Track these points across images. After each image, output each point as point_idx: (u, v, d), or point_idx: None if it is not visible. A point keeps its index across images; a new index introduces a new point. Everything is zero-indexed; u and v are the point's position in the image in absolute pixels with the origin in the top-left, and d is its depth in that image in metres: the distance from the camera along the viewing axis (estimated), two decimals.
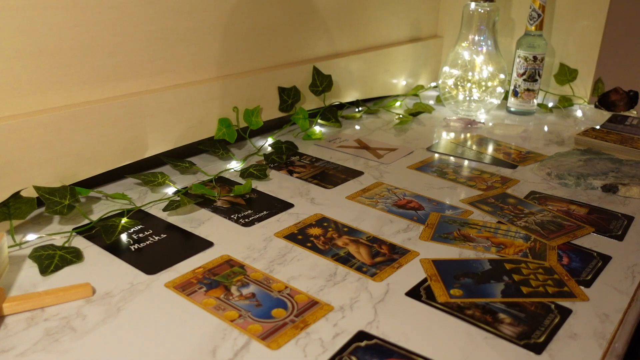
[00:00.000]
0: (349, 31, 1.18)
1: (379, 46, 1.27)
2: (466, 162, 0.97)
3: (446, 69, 1.24)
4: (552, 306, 0.57)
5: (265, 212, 0.76)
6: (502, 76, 1.21)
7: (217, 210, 0.76)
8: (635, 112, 1.28)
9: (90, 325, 0.52)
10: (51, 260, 0.61)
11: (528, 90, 1.24)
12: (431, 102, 1.35)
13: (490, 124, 1.19)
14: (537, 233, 0.72)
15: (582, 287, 0.60)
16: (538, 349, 0.51)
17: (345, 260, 0.64)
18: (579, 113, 1.28)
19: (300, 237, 0.69)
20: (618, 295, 0.59)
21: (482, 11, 1.18)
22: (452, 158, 0.99)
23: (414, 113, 1.23)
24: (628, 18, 1.51)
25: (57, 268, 0.61)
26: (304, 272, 0.62)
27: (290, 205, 0.78)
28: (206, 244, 0.67)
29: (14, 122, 0.67)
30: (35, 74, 0.70)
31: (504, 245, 0.69)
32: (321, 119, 1.12)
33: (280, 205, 0.78)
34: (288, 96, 1.04)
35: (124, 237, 0.68)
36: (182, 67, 0.87)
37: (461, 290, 0.59)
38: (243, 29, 0.95)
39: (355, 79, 1.20)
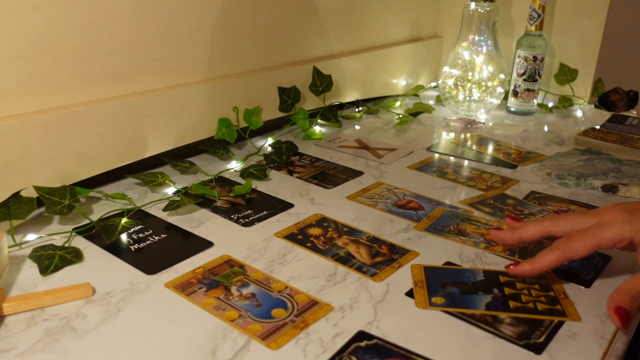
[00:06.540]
0: (349, 31, 1.18)
1: (379, 46, 1.27)
2: (466, 162, 0.97)
3: (446, 69, 1.24)
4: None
5: (265, 212, 0.76)
6: (502, 76, 1.21)
7: (217, 210, 0.76)
8: (635, 112, 1.28)
9: (90, 325, 0.52)
10: (51, 260, 0.61)
11: (528, 90, 1.24)
12: (431, 102, 1.35)
13: (490, 124, 1.19)
14: None
15: (581, 286, 0.60)
16: (538, 349, 0.51)
17: (345, 260, 0.64)
18: (579, 113, 1.28)
19: (300, 237, 0.69)
20: None
21: (482, 11, 1.18)
22: (452, 158, 0.99)
23: (414, 113, 1.23)
24: (628, 18, 1.51)
25: (57, 268, 0.61)
26: (304, 272, 0.62)
27: (290, 205, 0.78)
28: (206, 244, 0.67)
29: (14, 122, 0.67)
30: (35, 74, 0.70)
31: (495, 242, 0.68)
32: (321, 119, 1.12)
33: (280, 205, 0.78)
34: (288, 96, 1.04)
35: (124, 237, 0.68)
36: (182, 67, 0.87)
37: (444, 298, 0.57)
38: (243, 29, 0.95)
39: (355, 79, 1.20)
